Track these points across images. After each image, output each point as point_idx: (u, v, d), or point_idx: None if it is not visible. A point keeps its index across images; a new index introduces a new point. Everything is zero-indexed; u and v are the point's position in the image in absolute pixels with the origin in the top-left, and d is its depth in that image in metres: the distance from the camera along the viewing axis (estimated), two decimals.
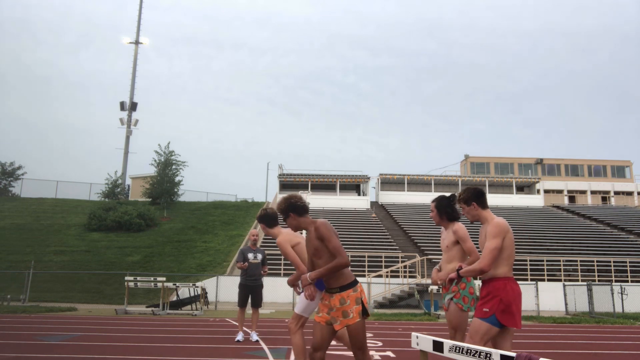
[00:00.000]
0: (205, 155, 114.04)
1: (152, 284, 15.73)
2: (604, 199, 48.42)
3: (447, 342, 2.54)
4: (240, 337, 8.06)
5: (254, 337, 8.07)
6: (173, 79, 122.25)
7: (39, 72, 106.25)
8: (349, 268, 3.86)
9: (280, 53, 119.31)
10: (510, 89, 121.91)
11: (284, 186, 37.55)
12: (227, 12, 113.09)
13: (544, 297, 19.41)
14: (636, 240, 28.38)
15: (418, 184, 40.14)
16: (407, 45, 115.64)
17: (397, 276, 20.73)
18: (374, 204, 37.48)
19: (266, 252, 8.77)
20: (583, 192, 48.80)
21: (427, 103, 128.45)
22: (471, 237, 4.52)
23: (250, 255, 8.27)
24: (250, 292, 8.21)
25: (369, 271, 21.04)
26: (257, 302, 8.26)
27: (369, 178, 38.77)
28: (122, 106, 42.34)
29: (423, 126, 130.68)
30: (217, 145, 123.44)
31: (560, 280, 21.48)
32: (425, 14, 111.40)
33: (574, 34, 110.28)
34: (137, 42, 44.27)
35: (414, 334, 2.89)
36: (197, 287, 16.46)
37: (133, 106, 42.37)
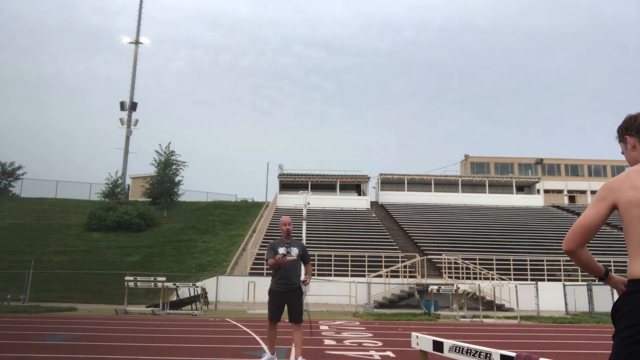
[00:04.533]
0: (204, 155, 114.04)
1: (152, 284, 15.74)
2: None
3: (447, 342, 2.54)
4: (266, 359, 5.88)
5: None
6: (168, 79, 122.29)
7: (38, 72, 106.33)
8: None
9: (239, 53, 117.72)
10: (510, 88, 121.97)
11: (284, 186, 37.54)
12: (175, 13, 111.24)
13: (544, 297, 19.42)
14: None
15: (418, 184, 40.10)
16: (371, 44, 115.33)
17: (397, 276, 20.74)
18: (374, 204, 37.47)
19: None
20: (583, 192, 48.80)
21: (426, 103, 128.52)
22: None
23: (282, 250, 5.80)
24: (286, 300, 5.82)
25: (369, 271, 21.05)
26: (297, 316, 5.74)
27: (369, 178, 38.74)
28: (122, 106, 42.37)
29: (422, 126, 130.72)
30: (217, 145, 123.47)
31: (560, 280, 21.49)
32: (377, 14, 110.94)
33: (577, 31, 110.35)
34: (137, 42, 44.31)
35: (414, 334, 2.89)
36: (197, 287, 16.47)
37: (133, 106, 42.40)
